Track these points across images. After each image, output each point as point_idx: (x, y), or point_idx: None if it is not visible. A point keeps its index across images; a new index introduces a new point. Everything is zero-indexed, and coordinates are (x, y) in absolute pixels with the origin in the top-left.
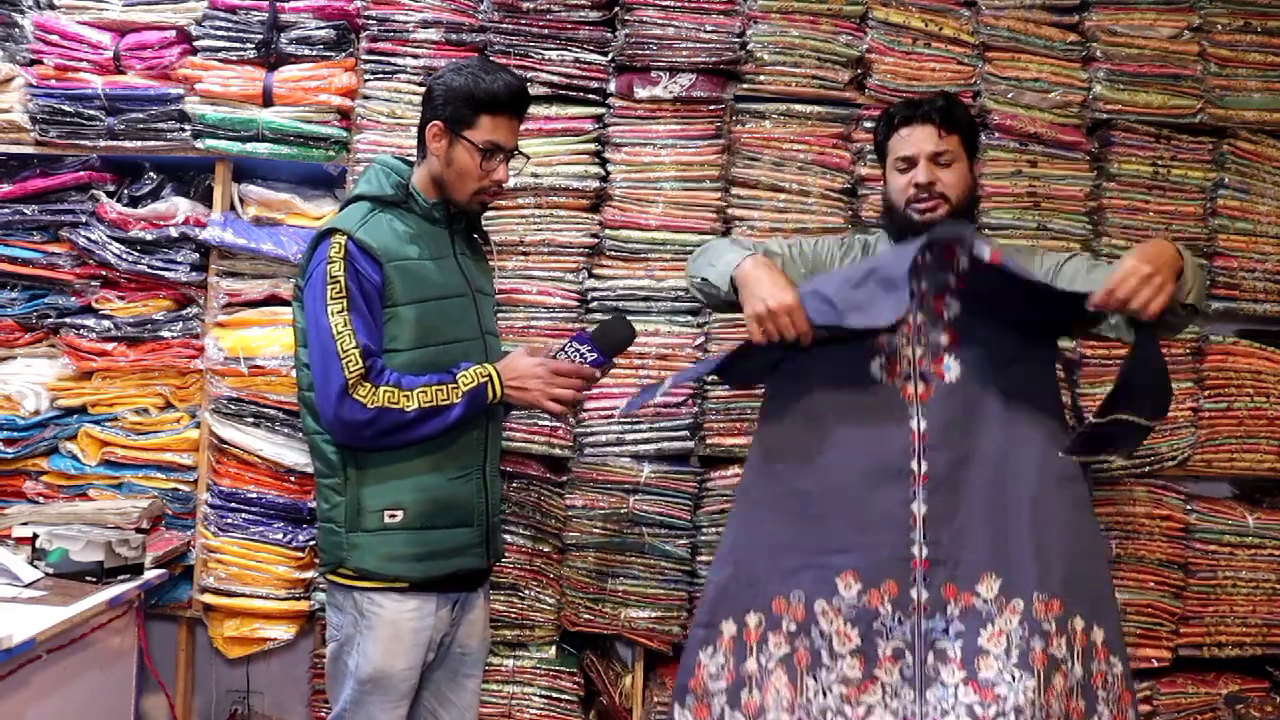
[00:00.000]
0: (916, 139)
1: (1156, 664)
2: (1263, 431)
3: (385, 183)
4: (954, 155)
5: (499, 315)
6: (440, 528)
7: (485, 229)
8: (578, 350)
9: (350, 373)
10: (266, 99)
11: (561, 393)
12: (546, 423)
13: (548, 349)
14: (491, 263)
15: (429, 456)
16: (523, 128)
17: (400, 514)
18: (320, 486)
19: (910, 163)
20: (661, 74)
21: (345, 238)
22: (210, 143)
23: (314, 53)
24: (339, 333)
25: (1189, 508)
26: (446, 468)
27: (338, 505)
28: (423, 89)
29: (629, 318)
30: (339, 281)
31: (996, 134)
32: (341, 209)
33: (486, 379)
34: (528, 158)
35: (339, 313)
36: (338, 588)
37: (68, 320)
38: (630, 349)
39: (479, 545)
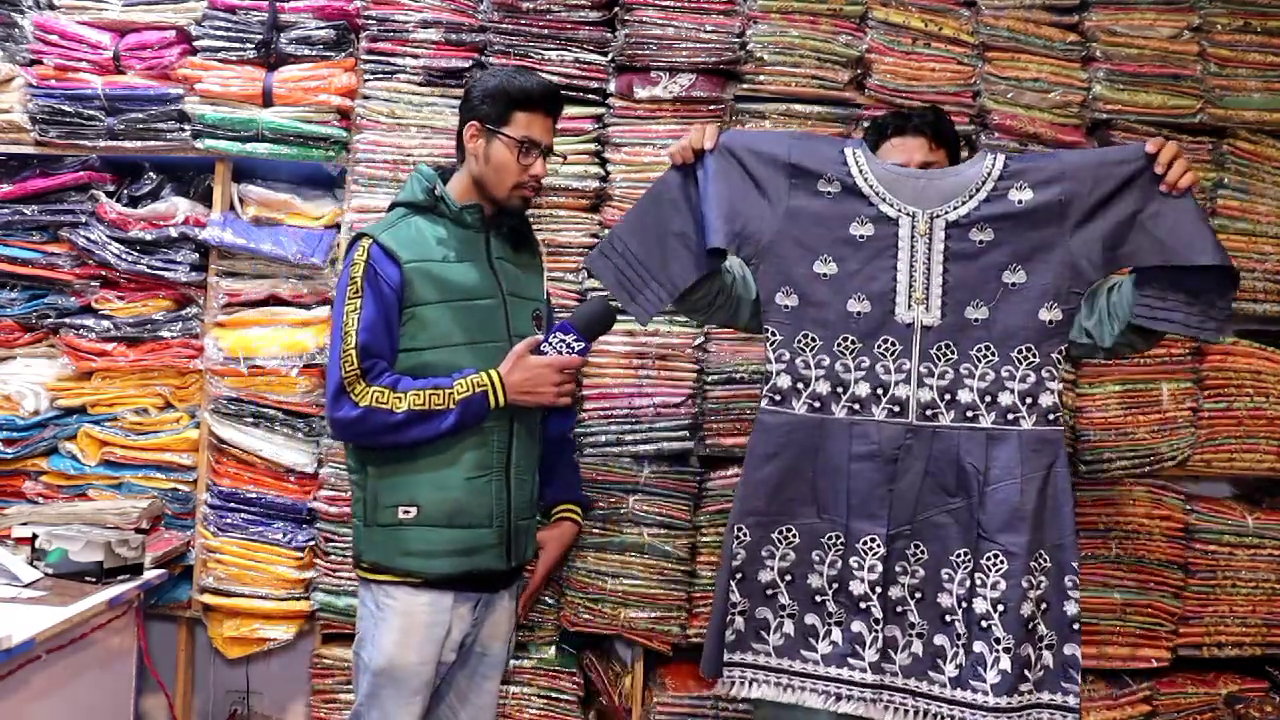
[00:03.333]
0: (909, 148)
1: (1156, 664)
2: (1262, 431)
3: (418, 189)
4: (943, 163)
5: None
6: (455, 527)
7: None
8: (563, 341)
9: (346, 371)
10: (266, 99)
11: (567, 388)
12: None
13: (527, 345)
14: (545, 265)
15: (445, 456)
16: None
17: (414, 511)
18: (350, 483)
19: None
20: (661, 74)
21: (370, 241)
22: (210, 143)
23: (314, 53)
24: (345, 332)
25: (1189, 508)
26: (464, 468)
27: (358, 501)
28: (423, 88)
29: (620, 317)
30: (356, 283)
31: (996, 134)
32: (384, 215)
33: (485, 388)
34: (563, 158)
35: (350, 312)
36: (362, 582)
37: (67, 320)
38: (631, 349)
39: (498, 546)
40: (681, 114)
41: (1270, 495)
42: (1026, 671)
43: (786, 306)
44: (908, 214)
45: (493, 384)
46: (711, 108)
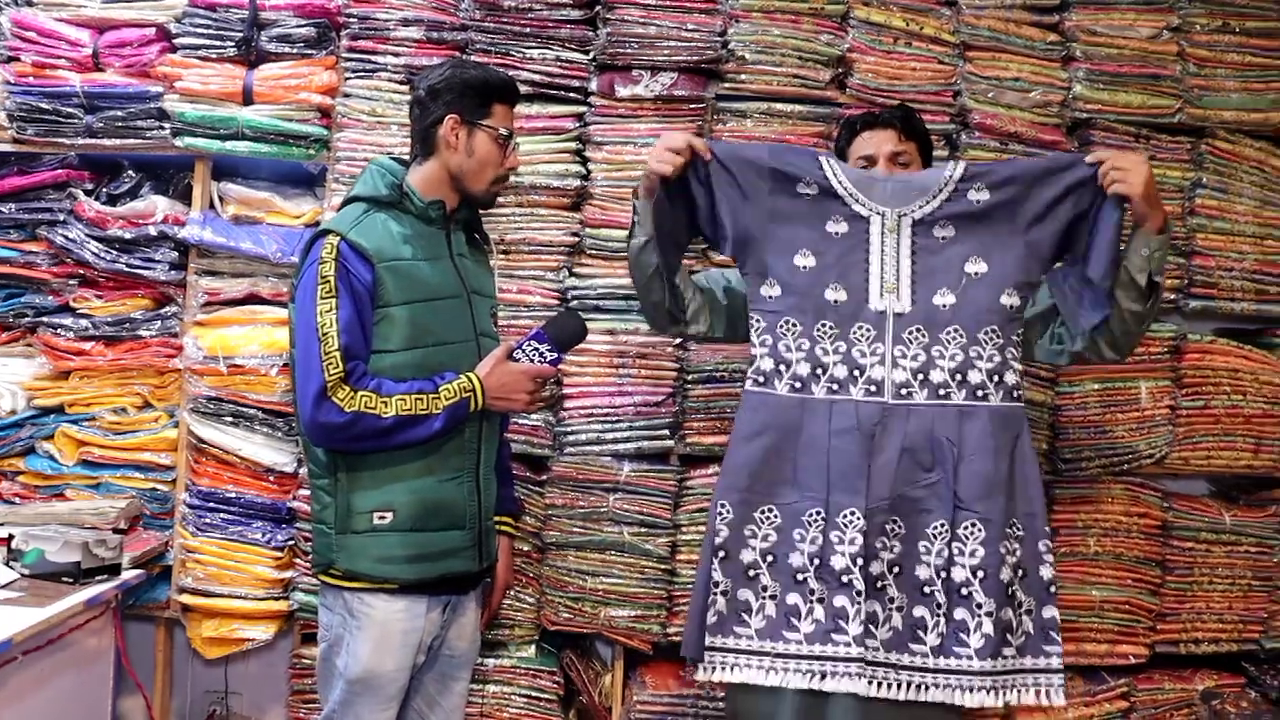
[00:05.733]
0: (878, 140)
1: (1134, 660)
2: (1239, 429)
3: (380, 183)
4: (911, 158)
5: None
6: (431, 530)
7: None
8: (536, 350)
9: (330, 375)
10: (246, 97)
11: (540, 396)
12: (526, 421)
13: (505, 349)
14: (494, 263)
15: (421, 458)
16: None
17: (390, 515)
18: (312, 487)
19: (870, 161)
20: (643, 73)
21: (338, 238)
22: (189, 141)
23: (294, 51)
24: (324, 334)
25: (1166, 505)
26: (438, 470)
27: (328, 506)
28: (404, 87)
29: (601, 316)
30: (329, 282)
31: (977, 133)
32: (339, 211)
33: (470, 394)
34: (517, 145)
35: (326, 313)
36: (328, 588)
37: (45, 319)
38: (611, 348)
39: (471, 548)
40: (663, 113)
41: (1247, 492)
42: (1009, 635)
43: (770, 296)
44: (878, 213)
45: (475, 388)
46: (693, 106)
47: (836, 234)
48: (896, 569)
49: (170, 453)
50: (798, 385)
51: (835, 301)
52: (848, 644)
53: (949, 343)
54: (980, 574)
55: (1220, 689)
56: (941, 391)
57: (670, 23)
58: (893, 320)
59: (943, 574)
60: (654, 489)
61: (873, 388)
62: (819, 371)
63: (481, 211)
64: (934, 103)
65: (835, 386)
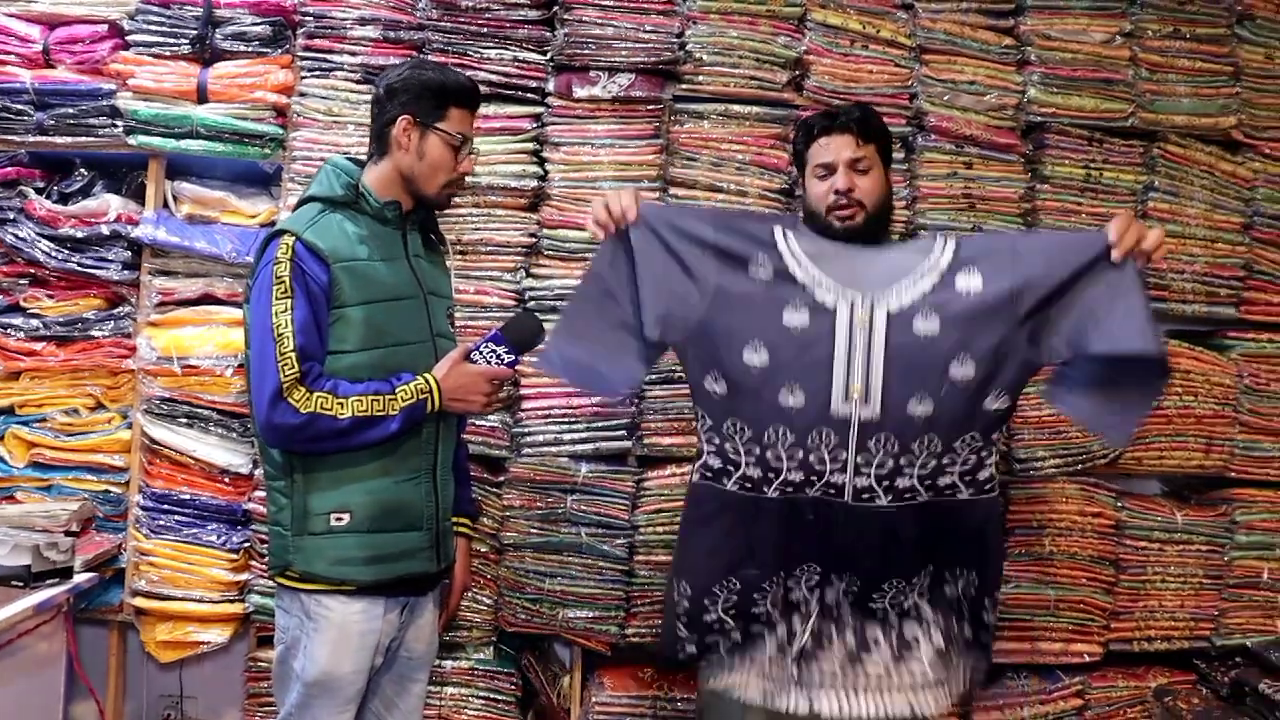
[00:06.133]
0: (835, 146)
1: (1088, 659)
2: (1191, 430)
3: (336, 183)
4: (871, 162)
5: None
6: (389, 531)
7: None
8: (494, 352)
9: (286, 376)
10: (201, 95)
11: (496, 398)
12: (484, 422)
13: (462, 350)
14: (450, 263)
15: (378, 459)
16: None
17: (347, 517)
18: (268, 489)
19: (829, 169)
20: (600, 74)
21: (293, 238)
22: (143, 139)
23: (250, 49)
24: (279, 335)
25: (1120, 505)
26: (395, 471)
27: (284, 508)
28: (361, 86)
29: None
30: (284, 282)
31: (933, 136)
32: (294, 210)
33: (426, 395)
34: (476, 152)
35: (282, 313)
36: (285, 590)
37: None
38: None
39: (428, 549)
40: (620, 114)
41: (1198, 492)
42: (953, 645)
43: (715, 393)
44: (846, 300)
45: (432, 390)
46: (650, 108)
47: (795, 328)
48: (851, 597)
49: (123, 454)
50: (748, 485)
51: (791, 408)
52: (798, 662)
53: (920, 452)
54: (927, 595)
55: (1173, 686)
56: (907, 495)
57: (628, 24)
58: (857, 428)
59: (895, 604)
60: (612, 490)
61: (832, 490)
62: (771, 475)
63: (438, 212)
64: (890, 105)
65: (790, 489)
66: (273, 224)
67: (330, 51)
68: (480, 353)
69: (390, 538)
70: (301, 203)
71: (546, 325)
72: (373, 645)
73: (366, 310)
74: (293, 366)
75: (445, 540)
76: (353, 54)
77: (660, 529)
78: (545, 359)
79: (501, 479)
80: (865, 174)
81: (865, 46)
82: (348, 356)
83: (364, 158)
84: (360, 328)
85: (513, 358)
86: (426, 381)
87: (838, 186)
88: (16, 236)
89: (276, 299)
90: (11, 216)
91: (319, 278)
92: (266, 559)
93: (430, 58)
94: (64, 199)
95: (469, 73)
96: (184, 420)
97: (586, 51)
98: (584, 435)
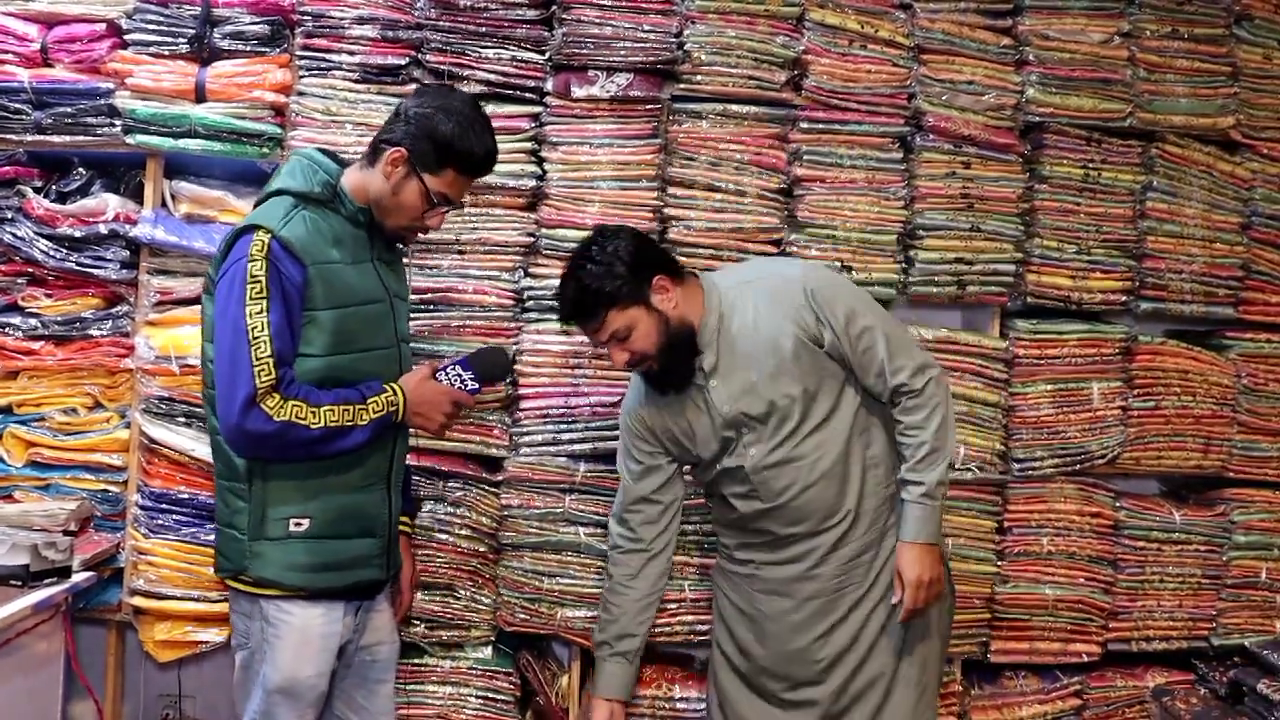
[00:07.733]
0: (587, 334)
1: (1087, 659)
2: (1189, 429)
3: (312, 179)
4: (621, 321)
5: (435, 314)
6: (345, 537)
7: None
8: (459, 375)
9: (261, 382)
10: (199, 94)
11: (452, 422)
12: (483, 422)
13: (430, 367)
14: (407, 263)
15: (339, 466)
16: None
17: (307, 522)
18: (221, 489)
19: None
20: (598, 73)
21: (269, 235)
22: (141, 138)
23: (248, 48)
24: (255, 338)
25: (1118, 504)
26: (354, 477)
27: (241, 511)
28: (359, 86)
29: (556, 317)
30: (260, 282)
31: (931, 136)
32: (259, 202)
33: (394, 407)
34: (462, 206)
35: (257, 314)
36: (240, 595)
37: None
38: (567, 348)
39: (380, 556)
40: (619, 113)
41: (1196, 492)
42: None
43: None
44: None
45: (399, 402)
46: (648, 107)
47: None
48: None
49: (122, 454)
50: None
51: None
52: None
53: None
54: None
55: (1171, 686)
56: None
57: (626, 23)
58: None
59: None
60: (610, 489)
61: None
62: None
63: None
64: (889, 105)
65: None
66: None
67: (329, 51)
68: (446, 374)
69: (346, 544)
70: (269, 194)
71: (545, 325)
72: (334, 648)
73: (337, 315)
74: (269, 373)
75: (393, 548)
76: (351, 53)
77: None
78: None
79: (500, 479)
80: (626, 339)
81: (864, 46)
82: (314, 360)
83: (342, 154)
84: (329, 333)
85: (475, 385)
86: (395, 393)
87: (616, 365)
88: (15, 235)
89: (251, 299)
90: (9, 216)
91: (294, 278)
92: (216, 561)
93: (428, 57)
94: (62, 198)
95: (466, 72)
96: (182, 419)
97: (585, 51)
98: (582, 435)
